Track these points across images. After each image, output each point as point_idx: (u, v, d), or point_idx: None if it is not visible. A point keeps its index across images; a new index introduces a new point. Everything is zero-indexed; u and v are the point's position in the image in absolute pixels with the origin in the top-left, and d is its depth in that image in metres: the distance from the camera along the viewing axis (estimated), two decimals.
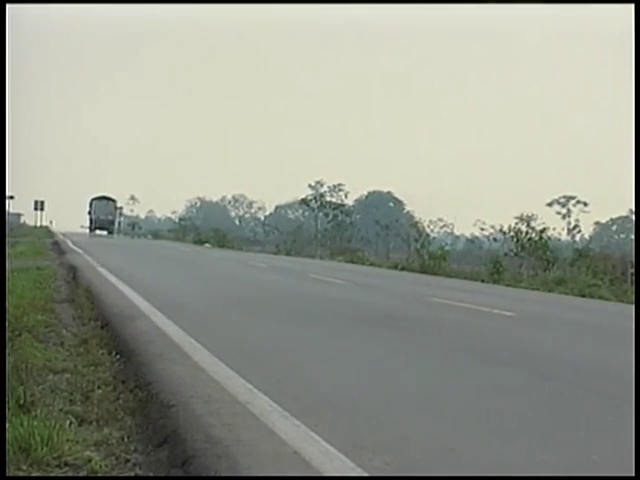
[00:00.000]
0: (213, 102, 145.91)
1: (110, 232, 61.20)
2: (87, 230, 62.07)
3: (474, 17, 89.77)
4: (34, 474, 3.32)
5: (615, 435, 4.40)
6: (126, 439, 3.86)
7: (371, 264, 35.57)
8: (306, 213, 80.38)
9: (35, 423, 3.72)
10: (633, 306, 16.35)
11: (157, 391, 4.58)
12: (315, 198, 65.62)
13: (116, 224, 64.77)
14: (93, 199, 63.07)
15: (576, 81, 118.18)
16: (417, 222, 56.60)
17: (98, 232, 59.72)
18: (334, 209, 60.31)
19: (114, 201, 64.50)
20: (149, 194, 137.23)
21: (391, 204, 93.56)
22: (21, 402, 4.22)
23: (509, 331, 9.82)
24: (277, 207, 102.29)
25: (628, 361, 6.88)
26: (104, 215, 61.72)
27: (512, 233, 31.56)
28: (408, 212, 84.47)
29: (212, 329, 7.93)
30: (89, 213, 62.64)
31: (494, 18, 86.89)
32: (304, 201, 67.01)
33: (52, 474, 3.36)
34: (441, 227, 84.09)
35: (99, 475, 3.40)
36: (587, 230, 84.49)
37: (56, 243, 31.94)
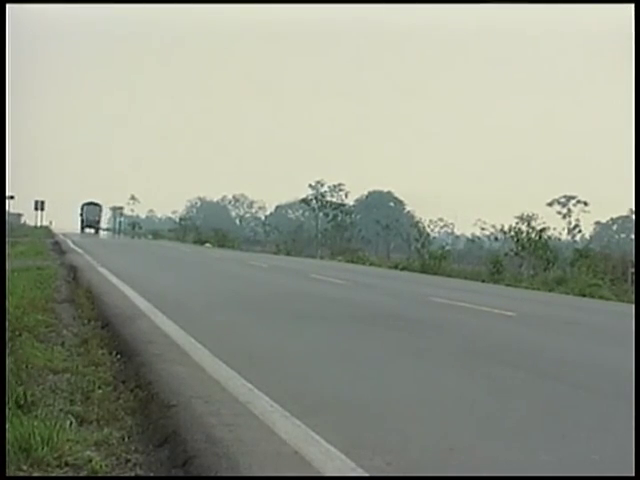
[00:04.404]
0: (214, 102, 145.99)
1: (97, 230, 74.20)
2: (86, 230, 72.09)
3: (475, 16, 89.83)
4: (35, 474, 3.32)
5: (615, 435, 4.40)
6: (126, 439, 3.86)
7: (371, 264, 35.58)
8: (306, 213, 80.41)
9: (35, 423, 3.72)
10: (633, 306, 16.35)
11: (157, 391, 4.58)
12: (315, 198, 65.61)
13: (101, 224, 79.39)
14: (84, 204, 75.28)
15: (576, 81, 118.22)
16: (417, 222, 56.72)
17: (87, 230, 71.62)
18: (334, 209, 60.26)
19: (100, 205, 77.23)
20: (149, 194, 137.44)
21: (391, 204, 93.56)
22: (21, 402, 4.22)
23: (509, 331, 9.81)
24: (277, 207, 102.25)
25: (628, 361, 6.89)
26: (92, 217, 74.42)
27: (512, 233, 31.56)
28: (408, 212, 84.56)
29: (212, 329, 7.93)
30: (80, 215, 74.88)
31: (495, 18, 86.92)
32: (304, 201, 67.07)
33: (52, 474, 3.36)
34: (441, 227, 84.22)
35: (99, 475, 3.40)
36: (587, 230, 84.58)
37: (56, 243, 31.96)
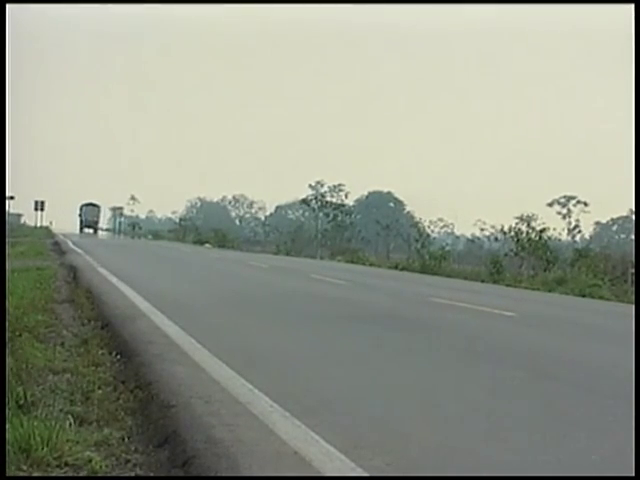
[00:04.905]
0: (213, 102, 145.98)
1: (95, 230, 76.48)
2: (84, 230, 73.96)
3: (475, 16, 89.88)
4: (35, 474, 3.32)
5: (615, 435, 4.40)
6: (126, 439, 3.86)
7: (371, 264, 35.58)
8: (306, 213, 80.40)
9: (35, 423, 3.72)
10: (633, 306, 16.35)
11: (157, 391, 4.58)
12: (315, 198, 65.58)
13: (100, 224, 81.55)
14: (82, 205, 77.31)
15: (576, 80, 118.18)
16: (417, 222, 56.74)
17: (86, 231, 73.58)
18: (334, 209, 60.25)
19: (98, 206, 79.21)
20: (149, 194, 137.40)
21: (391, 204, 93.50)
22: (21, 402, 4.22)
23: (509, 331, 9.81)
24: (277, 207, 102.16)
25: (628, 361, 6.88)
26: (91, 217, 76.58)
27: (512, 233, 31.57)
28: (408, 212, 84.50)
29: (212, 329, 7.93)
30: (79, 215, 76.85)
31: (494, 18, 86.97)
32: (304, 201, 67.02)
33: (52, 474, 3.36)
34: (441, 227, 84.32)
35: (99, 475, 3.40)
36: (587, 230, 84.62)
37: (56, 243, 31.98)
